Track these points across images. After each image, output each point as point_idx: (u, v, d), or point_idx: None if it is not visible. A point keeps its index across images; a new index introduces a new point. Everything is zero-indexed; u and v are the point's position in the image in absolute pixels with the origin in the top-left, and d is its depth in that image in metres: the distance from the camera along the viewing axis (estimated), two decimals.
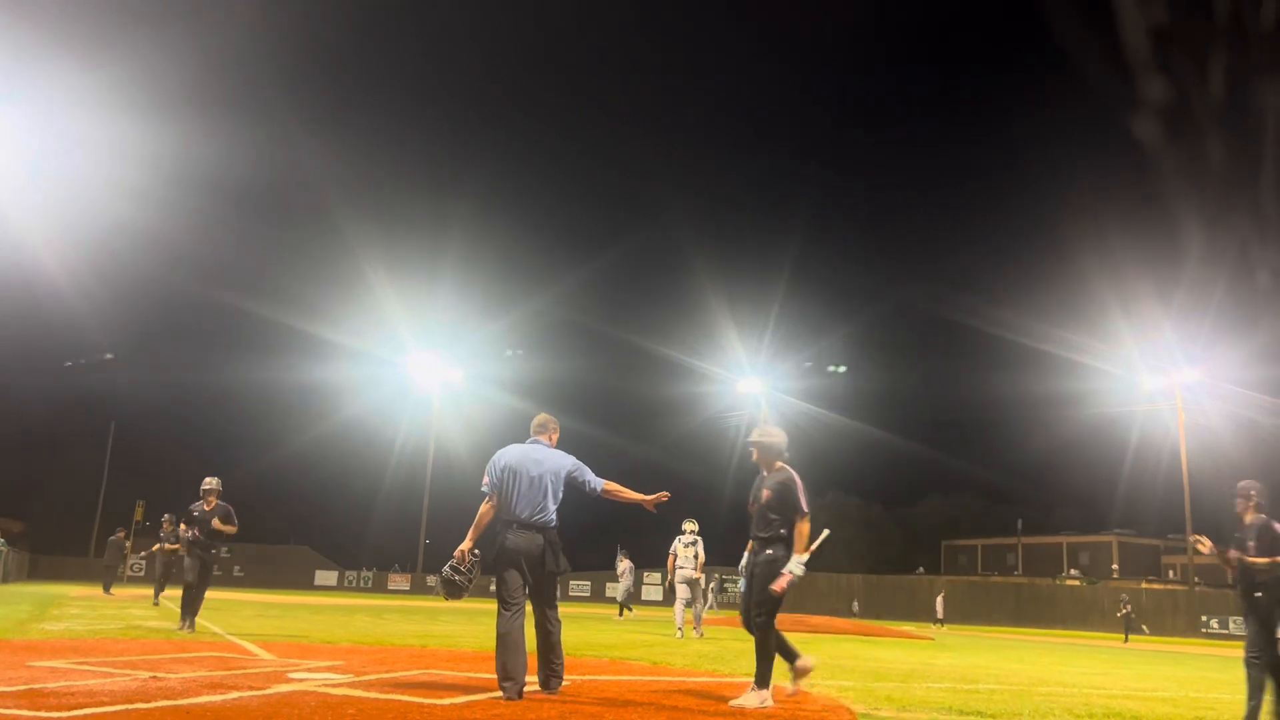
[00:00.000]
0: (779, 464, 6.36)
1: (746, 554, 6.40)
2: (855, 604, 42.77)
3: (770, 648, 6.07)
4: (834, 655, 12.03)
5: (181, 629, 10.87)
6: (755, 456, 6.48)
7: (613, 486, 6.32)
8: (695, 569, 15.54)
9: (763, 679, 5.97)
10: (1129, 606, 32.99)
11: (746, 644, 13.64)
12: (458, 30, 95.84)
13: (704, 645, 12.81)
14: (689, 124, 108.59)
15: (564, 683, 6.21)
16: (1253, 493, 6.85)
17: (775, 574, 6.04)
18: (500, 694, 5.78)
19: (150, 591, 20.85)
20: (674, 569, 15.50)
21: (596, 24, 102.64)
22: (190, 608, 11.32)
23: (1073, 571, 64.47)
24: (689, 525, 15.83)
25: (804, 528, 6.09)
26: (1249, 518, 6.81)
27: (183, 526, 11.76)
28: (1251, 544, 6.66)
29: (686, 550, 15.49)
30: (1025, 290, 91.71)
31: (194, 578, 11.57)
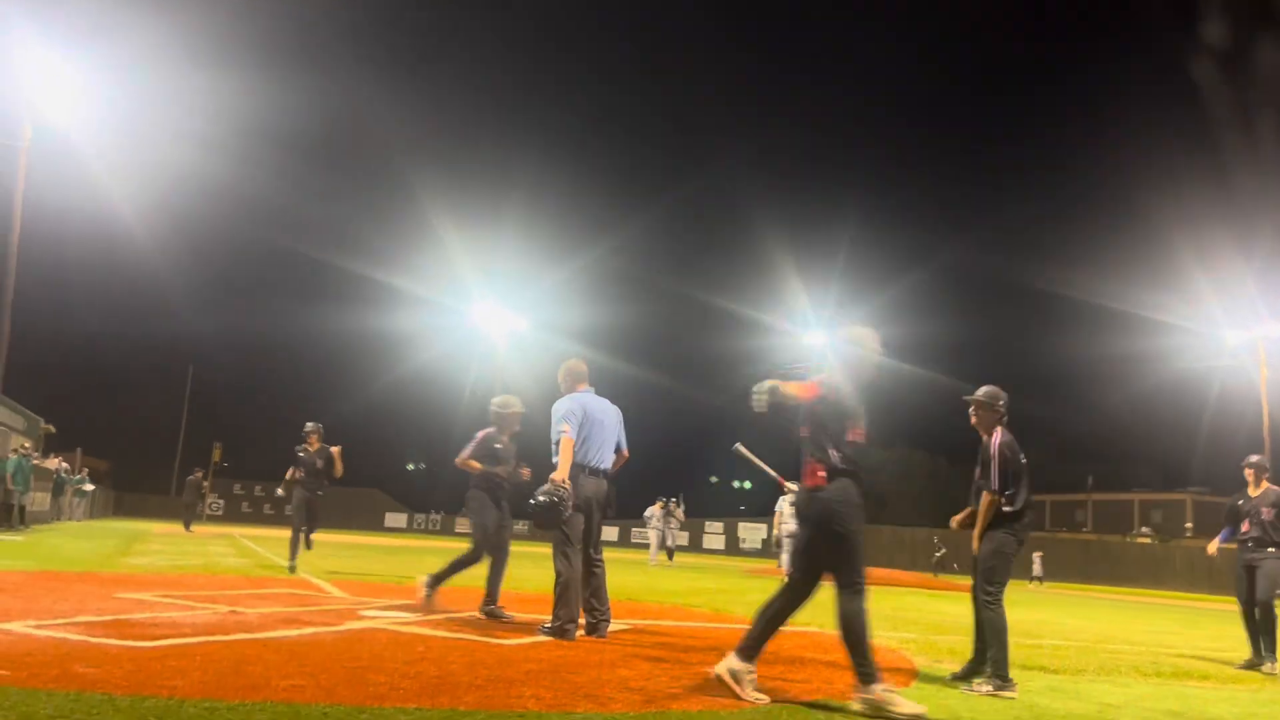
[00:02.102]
0: None
1: None
2: (943, 550, 37.40)
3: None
4: (898, 608, 11.99)
5: (429, 603, 7.38)
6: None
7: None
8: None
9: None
10: (943, 550, 35.51)
11: None
12: None
13: (765, 595, 12.85)
14: (752, 70, 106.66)
15: (623, 627, 6.29)
16: (999, 404, 5.71)
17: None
18: (563, 633, 5.91)
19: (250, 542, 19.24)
20: (779, 524, 17.39)
21: None
22: (491, 579, 7.69)
23: (1144, 529, 63.10)
24: (793, 485, 16.91)
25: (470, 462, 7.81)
26: (995, 435, 5.61)
27: (469, 462, 7.72)
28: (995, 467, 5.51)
29: (791, 509, 16.96)
30: (1100, 245, 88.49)
31: (483, 540, 7.89)
